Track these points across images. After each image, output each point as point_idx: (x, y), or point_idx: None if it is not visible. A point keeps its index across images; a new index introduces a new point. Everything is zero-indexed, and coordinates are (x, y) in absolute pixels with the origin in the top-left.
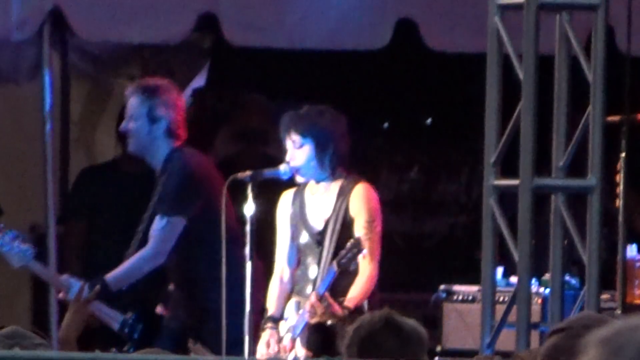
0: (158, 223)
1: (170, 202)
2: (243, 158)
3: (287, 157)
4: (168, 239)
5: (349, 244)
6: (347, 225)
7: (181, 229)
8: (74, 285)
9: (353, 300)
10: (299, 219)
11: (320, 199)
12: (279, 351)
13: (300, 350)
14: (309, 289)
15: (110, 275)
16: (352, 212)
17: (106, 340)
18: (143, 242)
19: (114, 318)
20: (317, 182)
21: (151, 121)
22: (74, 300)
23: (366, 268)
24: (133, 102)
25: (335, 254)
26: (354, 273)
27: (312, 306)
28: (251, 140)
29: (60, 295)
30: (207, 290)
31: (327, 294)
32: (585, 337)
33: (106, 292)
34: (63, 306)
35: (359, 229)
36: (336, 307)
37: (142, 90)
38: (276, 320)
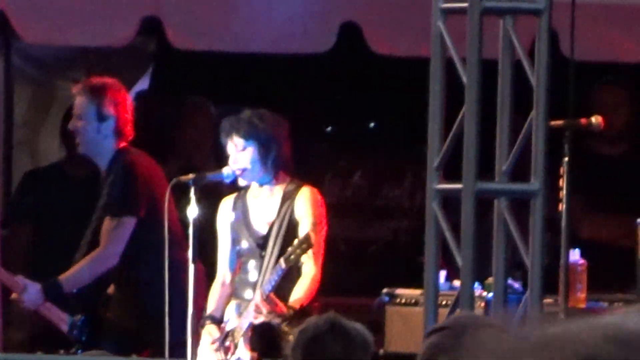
0: (109, 224)
1: (119, 202)
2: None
3: (230, 161)
4: (120, 239)
5: (297, 241)
6: (292, 228)
7: (131, 229)
8: (29, 287)
9: (298, 300)
10: (242, 225)
11: (263, 203)
12: (220, 350)
13: (245, 352)
14: (248, 292)
15: (63, 277)
16: (297, 215)
17: (52, 342)
18: (92, 243)
19: (63, 320)
20: (260, 185)
21: (100, 120)
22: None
23: (310, 270)
24: (81, 101)
25: (279, 257)
26: (297, 276)
27: (258, 305)
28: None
29: (13, 295)
30: (150, 294)
31: (272, 294)
32: (465, 336)
33: (58, 294)
34: (6, 306)
35: (305, 232)
36: (281, 307)
37: (90, 89)
38: (216, 319)
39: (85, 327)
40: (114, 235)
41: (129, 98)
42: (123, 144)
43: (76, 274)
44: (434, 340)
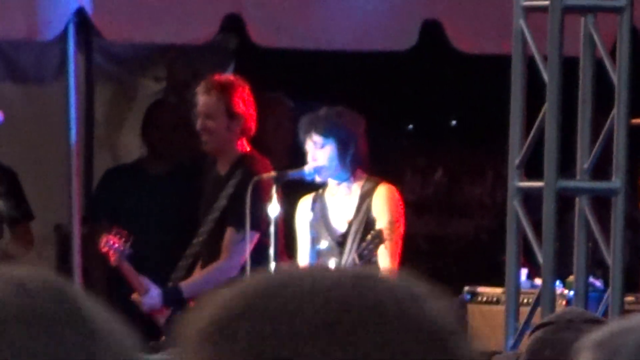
0: (234, 236)
1: (248, 216)
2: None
3: (309, 158)
4: (244, 252)
5: (369, 236)
6: (369, 226)
7: (254, 242)
8: (151, 290)
9: None
10: (321, 224)
11: (342, 201)
12: None
13: None
14: None
15: (184, 284)
16: (375, 212)
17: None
18: (207, 243)
19: (163, 313)
20: (338, 183)
21: (229, 117)
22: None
23: (387, 268)
24: (208, 100)
25: None
26: None
27: None
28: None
29: (134, 296)
30: None
31: None
32: (570, 331)
33: (177, 300)
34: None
35: (383, 229)
36: None
37: (219, 87)
38: None
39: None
40: (239, 248)
41: (251, 93)
42: (247, 147)
43: (198, 282)
44: (539, 334)
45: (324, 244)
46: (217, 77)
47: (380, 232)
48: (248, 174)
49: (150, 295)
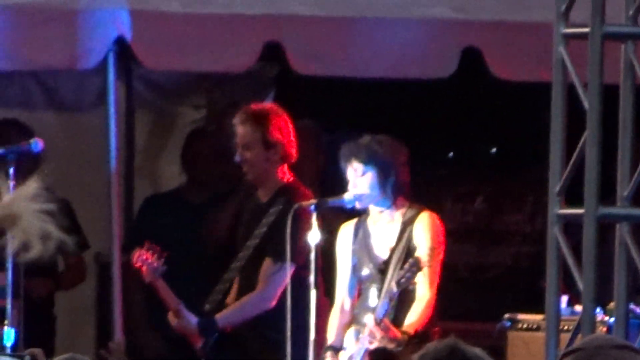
0: (272, 267)
1: (284, 247)
2: None
3: (350, 186)
4: (280, 284)
5: (408, 264)
6: (411, 253)
7: (290, 275)
8: (188, 319)
9: (412, 325)
10: (363, 251)
11: (384, 228)
12: None
13: None
14: (367, 317)
15: (220, 316)
16: (416, 240)
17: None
18: (247, 269)
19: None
20: (380, 211)
21: (266, 147)
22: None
23: (425, 294)
24: (245, 130)
25: None
26: (412, 301)
27: (371, 331)
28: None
29: (170, 315)
30: (275, 321)
31: (386, 319)
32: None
33: (212, 331)
34: (127, 337)
35: (422, 257)
36: (395, 332)
37: (253, 117)
38: (336, 349)
39: (218, 349)
40: (275, 280)
41: (290, 120)
42: (289, 175)
43: (233, 314)
44: None
45: (365, 271)
46: (253, 106)
47: (418, 260)
48: (290, 203)
49: (188, 322)
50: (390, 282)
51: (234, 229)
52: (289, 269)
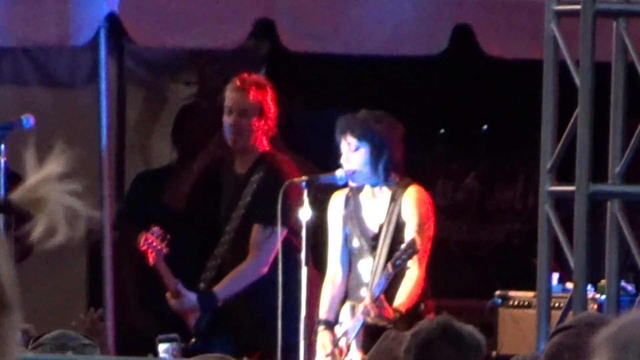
0: (262, 233)
1: (273, 211)
2: None
3: (342, 159)
4: (273, 249)
5: (404, 245)
6: (399, 229)
7: (282, 238)
8: (187, 296)
9: (404, 304)
10: (354, 222)
11: (374, 204)
12: (334, 353)
13: (356, 354)
14: (362, 291)
15: (217, 289)
16: (404, 215)
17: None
18: (236, 241)
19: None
20: (371, 186)
21: (260, 116)
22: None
23: (414, 272)
24: (243, 97)
25: (388, 258)
26: (402, 277)
27: (367, 307)
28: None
29: (168, 295)
30: (266, 297)
31: (382, 296)
32: (589, 335)
33: (212, 305)
34: (118, 313)
35: (410, 233)
36: (389, 310)
37: (255, 85)
38: (330, 323)
39: (209, 325)
40: (268, 245)
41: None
42: (267, 145)
43: (230, 284)
44: (558, 339)
45: (356, 243)
46: (250, 75)
47: (413, 242)
48: (271, 171)
49: (188, 299)
50: (381, 258)
51: (192, 196)
52: (280, 233)
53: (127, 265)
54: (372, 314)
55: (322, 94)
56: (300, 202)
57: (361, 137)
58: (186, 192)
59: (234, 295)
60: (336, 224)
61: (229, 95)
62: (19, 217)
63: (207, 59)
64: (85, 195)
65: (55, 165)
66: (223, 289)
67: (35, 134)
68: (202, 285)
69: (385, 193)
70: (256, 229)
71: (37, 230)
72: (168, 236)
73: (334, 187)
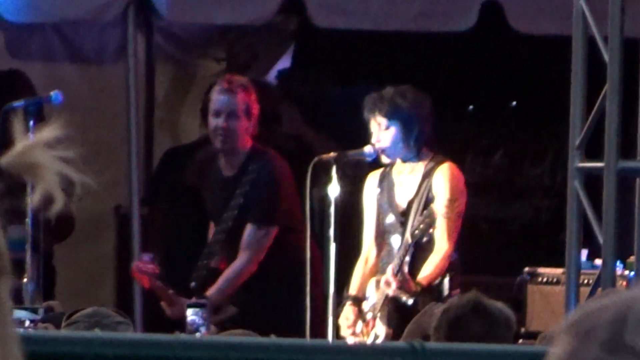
0: (255, 233)
1: (265, 212)
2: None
3: (373, 139)
4: (263, 249)
5: (421, 215)
6: (429, 203)
7: (273, 237)
8: (181, 303)
9: (426, 278)
10: (386, 200)
11: (406, 179)
12: (357, 326)
13: (381, 328)
14: (390, 267)
15: (210, 293)
16: (435, 190)
17: None
18: (227, 243)
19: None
20: (404, 162)
21: (248, 118)
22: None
23: (442, 246)
24: (231, 99)
25: None
26: (430, 252)
27: (387, 280)
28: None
29: (163, 304)
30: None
31: (404, 268)
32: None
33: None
34: (147, 292)
35: (440, 207)
36: (410, 283)
37: (241, 87)
38: (357, 299)
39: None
40: (259, 245)
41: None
42: (254, 142)
43: (222, 287)
44: None
45: (388, 220)
46: (235, 77)
47: (431, 211)
48: (263, 170)
49: (177, 308)
50: (409, 233)
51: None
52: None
53: (155, 241)
54: (394, 285)
55: (351, 70)
56: (299, 198)
57: (390, 115)
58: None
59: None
60: (370, 203)
61: (217, 98)
62: (11, 183)
63: (236, 35)
64: (114, 170)
65: (46, 131)
66: (213, 293)
67: (64, 110)
68: (193, 284)
69: (417, 169)
70: (249, 229)
71: (35, 197)
72: (159, 255)
73: (363, 163)
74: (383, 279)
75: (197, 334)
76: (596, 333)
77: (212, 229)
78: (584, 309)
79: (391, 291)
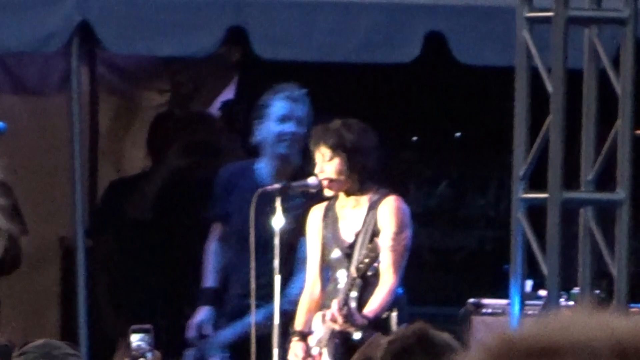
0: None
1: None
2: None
3: (317, 170)
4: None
5: (366, 249)
6: (375, 236)
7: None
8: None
9: (373, 311)
10: (331, 234)
11: (350, 213)
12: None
13: None
14: (335, 302)
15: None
16: (380, 224)
17: None
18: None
19: None
20: (348, 195)
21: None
22: None
23: (387, 280)
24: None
25: None
26: (376, 285)
27: (333, 315)
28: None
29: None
30: None
31: (349, 303)
32: None
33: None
34: (92, 324)
35: (386, 240)
36: (356, 317)
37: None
38: (303, 334)
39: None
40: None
41: None
42: None
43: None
44: None
45: (334, 254)
46: None
47: (375, 245)
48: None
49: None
50: (353, 267)
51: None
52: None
53: (100, 273)
54: (340, 320)
55: None
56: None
57: (335, 147)
58: (150, 204)
59: None
60: (314, 236)
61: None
62: None
63: (180, 66)
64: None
65: None
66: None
67: (7, 140)
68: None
69: (362, 202)
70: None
71: None
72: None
73: (308, 194)
74: (328, 313)
75: None
76: None
77: None
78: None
79: (337, 326)
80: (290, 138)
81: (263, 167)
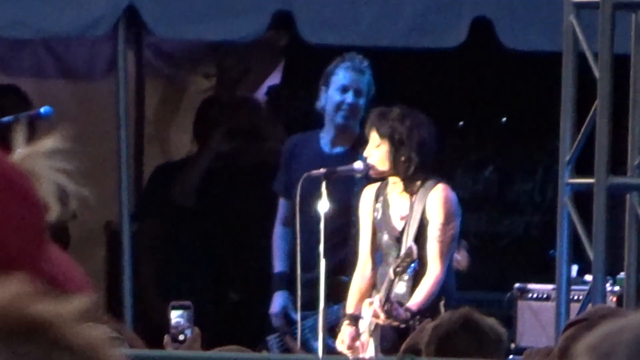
0: None
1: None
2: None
3: (365, 153)
4: None
5: (402, 253)
6: (423, 226)
7: None
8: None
9: (417, 304)
10: (382, 217)
11: (399, 200)
12: (355, 348)
13: (373, 351)
14: (377, 298)
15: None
16: (428, 213)
17: None
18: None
19: None
20: (395, 182)
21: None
22: None
23: (433, 270)
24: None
25: None
26: (422, 275)
27: (375, 311)
28: None
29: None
30: None
31: (392, 298)
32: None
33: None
34: (137, 306)
35: (433, 231)
36: (399, 311)
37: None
38: (354, 317)
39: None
40: None
41: None
42: None
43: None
44: (571, 331)
45: (384, 237)
46: None
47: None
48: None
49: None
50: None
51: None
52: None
53: (145, 257)
54: (382, 317)
55: None
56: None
57: (384, 136)
58: (195, 189)
59: None
60: (366, 218)
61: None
62: None
63: (226, 51)
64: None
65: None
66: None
67: (55, 125)
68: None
69: (411, 189)
70: None
71: None
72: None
73: (353, 178)
74: (371, 310)
75: (181, 337)
76: (616, 355)
77: None
78: (602, 330)
79: (380, 321)
80: (348, 108)
81: (324, 135)
